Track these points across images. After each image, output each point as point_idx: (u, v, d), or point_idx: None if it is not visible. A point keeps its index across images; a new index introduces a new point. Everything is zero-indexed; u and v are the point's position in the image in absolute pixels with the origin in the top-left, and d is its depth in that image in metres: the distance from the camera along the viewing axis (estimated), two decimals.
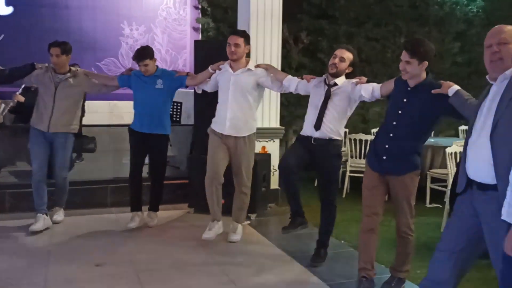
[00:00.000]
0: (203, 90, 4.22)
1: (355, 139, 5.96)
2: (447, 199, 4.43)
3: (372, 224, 2.99)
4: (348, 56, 3.29)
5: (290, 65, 7.73)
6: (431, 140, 6.07)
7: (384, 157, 2.88)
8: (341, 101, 3.31)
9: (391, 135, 2.86)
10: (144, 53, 4.12)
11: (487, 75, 2.18)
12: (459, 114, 2.64)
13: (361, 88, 3.20)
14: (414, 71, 2.75)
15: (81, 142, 6.83)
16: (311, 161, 3.39)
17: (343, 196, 5.80)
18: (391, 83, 3.04)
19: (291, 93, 3.92)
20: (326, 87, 3.32)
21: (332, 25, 7.85)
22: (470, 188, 2.16)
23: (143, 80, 4.21)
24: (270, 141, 5.29)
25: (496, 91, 2.08)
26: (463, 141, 5.21)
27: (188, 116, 6.03)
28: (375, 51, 7.98)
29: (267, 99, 5.21)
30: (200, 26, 7.67)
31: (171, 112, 5.74)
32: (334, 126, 3.34)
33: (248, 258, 3.64)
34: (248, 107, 3.87)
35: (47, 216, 4.16)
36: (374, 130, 7.22)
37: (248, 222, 4.53)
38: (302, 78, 3.63)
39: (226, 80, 3.87)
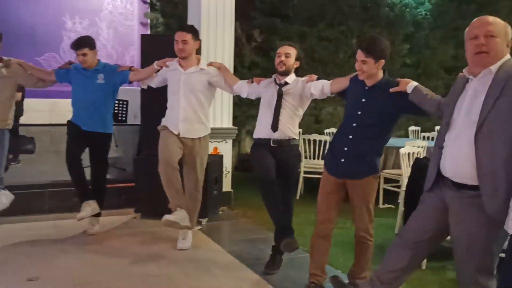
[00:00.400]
0: (149, 87, 3.96)
1: (309, 140, 5.87)
2: (401, 200, 4.40)
3: (325, 231, 2.93)
4: (292, 51, 3.21)
5: (242, 64, 7.57)
6: None
7: (342, 160, 2.80)
8: (294, 100, 3.23)
9: (350, 136, 2.77)
10: (82, 42, 3.82)
11: (466, 68, 2.08)
12: (420, 110, 2.56)
13: (311, 86, 3.15)
14: (371, 70, 2.67)
15: (17, 143, 6.36)
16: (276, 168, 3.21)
17: (297, 197, 5.68)
18: (343, 81, 2.98)
19: None
20: (277, 87, 3.23)
21: (285, 24, 7.76)
22: (439, 185, 2.11)
23: (83, 74, 3.90)
24: (222, 141, 5.09)
25: (477, 87, 1.99)
26: (416, 141, 5.27)
27: (134, 116, 5.71)
28: (328, 52, 7.96)
29: (219, 98, 5.01)
30: (149, 21, 7.36)
31: (116, 111, 5.42)
32: (290, 125, 3.24)
33: (199, 267, 3.41)
34: (201, 107, 3.69)
35: None
36: (328, 130, 7.20)
37: (199, 227, 4.30)
38: (252, 82, 3.52)
39: (176, 79, 3.66)
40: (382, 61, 2.66)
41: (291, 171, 3.30)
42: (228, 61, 5.08)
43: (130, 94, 5.63)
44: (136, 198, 4.60)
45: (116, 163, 5.71)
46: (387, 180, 5.48)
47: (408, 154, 4.52)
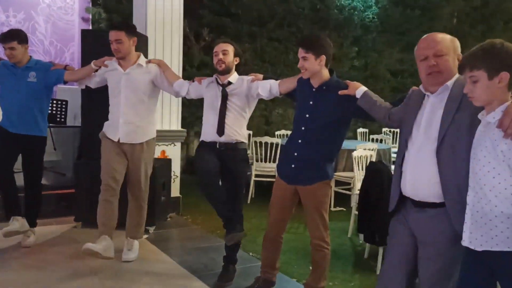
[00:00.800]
0: (87, 86, 3.68)
1: (260, 142, 5.73)
2: (353, 204, 4.35)
3: (276, 233, 2.88)
4: (229, 47, 3.05)
5: (191, 63, 7.33)
6: None
7: (293, 165, 2.70)
8: (240, 101, 3.06)
9: (299, 141, 2.68)
10: (10, 34, 3.49)
11: (421, 85, 2.04)
12: (368, 115, 2.49)
13: (258, 86, 3.02)
14: (312, 66, 2.59)
15: None
16: (220, 167, 3.03)
17: (248, 201, 5.54)
18: (291, 81, 2.88)
19: None
20: (221, 88, 3.06)
21: (235, 23, 7.61)
22: (404, 205, 2.04)
23: (12, 71, 3.56)
24: (170, 144, 4.85)
25: (434, 103, 1.97)
26: (367, 144, 5.28)
27: (74, 116, 5.33)
28: (277, 52, 7.90)
29: (167, 99, 4.77)
30: (91, 16, 6.94)
31: (54, 111, 5.04)
32: (237, 128, 3.06)
33: (147, 279, 3.17)
34: (145, 109, 3.45)
35: None
36: (278, 132, 7.12)
37: (146, 236, 4.05)
38: (193, 81, 3.34)
39: (116, 80, 3.42)
40: (323, 57, 2.58)
41: (239, 176, 3.11)
42: (177, 60, 4.87)
43: (70, 93, 5.25)
44: (77, 205, 4.26)
45: (54, 168, 5.31)
46: (338, 183, 5.46)
47: (360, 157, 4.49)
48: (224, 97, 3.03)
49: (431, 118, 1.95)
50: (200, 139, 3.16)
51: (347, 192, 5.42)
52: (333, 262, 3.38)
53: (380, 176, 3.42)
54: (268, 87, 2.99)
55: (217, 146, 3.03)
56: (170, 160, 4.69)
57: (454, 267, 1.87)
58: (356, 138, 7.92)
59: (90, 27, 6.97)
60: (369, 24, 8.54)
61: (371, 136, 7.40)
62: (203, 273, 3.31)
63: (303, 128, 2.67)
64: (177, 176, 4.95)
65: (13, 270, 3.23)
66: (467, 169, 1.76)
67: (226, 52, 3.02)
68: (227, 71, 3.05)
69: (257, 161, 5.77)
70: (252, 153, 5.79)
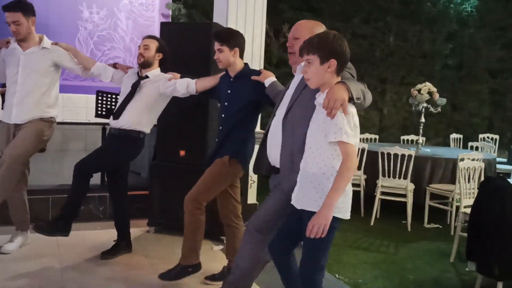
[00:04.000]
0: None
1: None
2: (459, 224, 3.74)
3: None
4: (153, 43, 3.23)
5: (269, 61, 6.99)
6: (427, 150, 5.43)
7: (215, 150, 2.91)
8: (149, 94, 3.21)
9: (220, 128, 2.90)
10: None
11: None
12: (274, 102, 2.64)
13: (176, 83, 3.16)
14: (226, 58, 2.81)
15: None
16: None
17: (372, 223, 5.07)
18: (210, 80, 3.08)
19: None
20: (137, 78, 3.25)
21: (317, 18, 7.13)
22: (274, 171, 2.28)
23: None
24: None
25: (295, 81, 2.26)
26: (471, 153, 4.61)
27: None
28: (362, 49, 7.35)
29: None
30: (170, 12, 6.82)
31: (109, 106, 4.85)
32: (136, 117, 3.20)
33: None
34: (41, 90, 3.28)
35: None
36: (362, 136, 6.57)
37: (220, 247, 3.73)
38: (115, 67, 3.45)
39: (14, 60, 3.27)
40: (237, 49, 2.81)
41: (116, 156, 3.28)
42: (258, 59, 4.54)
43: None
44: (151, 209, 4.04)
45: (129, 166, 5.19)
46: (434, 196, 4.82)
47: (467, 168, 3.87)
48: (134, 88, 3.19)
49: (289, 94, 2.23)
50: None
51: (444, 207, 4.78)
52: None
53: (502, 195, 2.82)
54: (186, 84, 3.12)
55: (112, 131, 3.26)
56: None
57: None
58: (448, 145, 7.15)
59: None
60: (466, 18, 7.72)
61: (469, 144, 6.57)
62: None
63: (223, 116, 2.88)
64: (254, 181, 4.60)
65: (83, 272, 3.05)
66: (302, 140, 2.01)
67: (147, 47, 3.20)
68: (146, 65, 3.22)
69: (383, 176, 4.75)
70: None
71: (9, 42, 3.33)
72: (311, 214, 1.87)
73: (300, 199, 1.97)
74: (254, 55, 4.52)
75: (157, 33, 7.02)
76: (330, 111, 1.83)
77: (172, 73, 3.24)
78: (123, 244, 3.43)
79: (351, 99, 1.88)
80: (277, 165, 2.21)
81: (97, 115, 4.71)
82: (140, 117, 3.21)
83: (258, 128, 4.59)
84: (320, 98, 1.95)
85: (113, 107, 4.83)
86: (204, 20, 6.26)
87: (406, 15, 7.36)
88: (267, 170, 2.32)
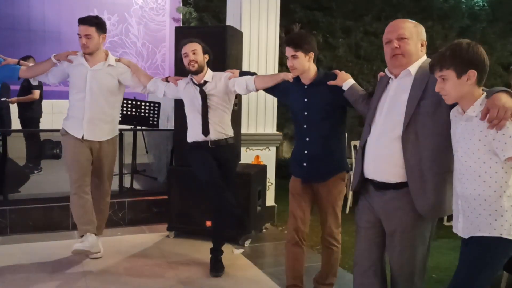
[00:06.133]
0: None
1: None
2: None
3: (298, 236, 2.73)
4: (197, 46, 3.14)
5: (281, 61, 6.97)
6: None
7: (305, 164, 2.69)
8: (219, 98, 3.15)
9: (307, 139, 2.70)
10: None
11: (386, 69, 2.16)
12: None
13: (235, 83, 3.12)
14: (302, 64, 2.62)
15: (41, 148, 5.95)
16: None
17: (347, 211, 5.05)
18: (270, 79, 2.98)
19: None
20: (198, 88, 3.15)
21: (328, 17, 7.13)
22: (366, 190, 2.16)
23: None
24: (265, 149, 4.51)
25: (397, 87, 2.08)
26: None
27: (167, 119, 5.20)
28: (374, 47, 7.28)
29: (263, 100, 4.46)
30: (181, 16, 6.84)
31: (146, 114, 4.91)
32: (223, 124, 3.17)
33: None
34: (109, 106, 3.37)
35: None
36: None
37: (242, 250, 3.73)
38: (167, 81, 3.36)
39: (81, 75, 3.30)
40: (312, 54, 2.64)
41: (231, 172, 3.25)
42: (272, 57, 4.53)
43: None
44: (169, 214, 4.04)
45: (146, 171, 5.22)
46: None
47: None
48: (204, 98, 3.11)
49: (394, 102, 2.05)
50: (188, 141, 3.24)
51: None
52: None
53: None
54: (244, 84, 3.08)
55: (209, 145, 3.14)
56: (265, 166, 4.35)
57: (419, 239, 2.05)
58: None
59: None
60: (478, 12, 7.62)
61: None
62: None
63: (305, 126, 2.69)
64: (272, 183, 4.60)
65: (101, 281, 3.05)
66: (431, 157, 1.92)
67: (196, 52, 3.10)
68: (200, 70, 3.12)
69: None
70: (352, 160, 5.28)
71: (72, 56, 3.29)
72: (483, 239, 1.74)
73: (467, 227, 1.81)
74: (268, 57, 4.53)
75: (168, 37, 7.06)
76: (498, 122, 1.67)
77: (230, 70, 3.23)
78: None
79: None
80: (378, 179, 2.09)
81: None
82: (224, 123, 3.18)
83: (273, 130, 4.62)
84: (470, 112, 1.79)
85: (129, 113, 4.86)
86: (215, 23, 6.26)
87: (418, 11, 7.28)
88: (357, 186, 2.21)
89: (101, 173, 3.43)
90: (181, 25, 6.84)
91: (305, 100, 2.68)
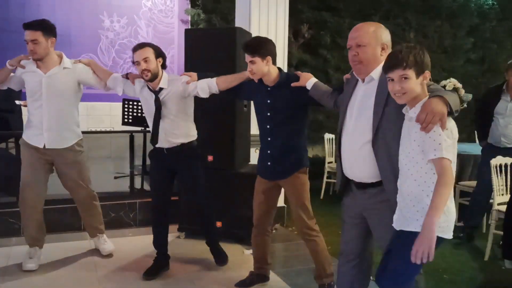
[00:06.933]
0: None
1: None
2: (492, 222, 3.68)
3: (263, 228, 2.98)
4: (148, 52, 2.96)
5: (289, 62, 6.98)
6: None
7: (269, 163, 2.80)
8: (176, 104, 3.07)
9: (269, 139, 2.79)
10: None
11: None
12: (320, 104, 2.65)
13: (196, 87, 3.05)
14: (260, 69, 2.68)
15: None
16: (174, 173, 3.22)
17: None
18: (233, 79, 2.99)
19: None
20: (154, 95, 3.05)
21: (336, 17, 7.12)
22: (350, 187, 2.22)
23: None
24: None
25: (364, 91, 2.11)
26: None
27: None
28: None
29: None
30: (190, 17, 6.87)
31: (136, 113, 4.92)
32: (177, 131, 3.11)
33: None
34: (69, 112, 3.27)
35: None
36: None
37: (251, 252, 3.74)
38: (127, 77, 3.20)
39: (35, 83, 3.16)
40: (269, 58, 2.68)
41: (191, 175, 3.22)
42: (282, 58, 4.53)
43: None
44: (180, 215, 4.08)
45: None
46: (463, 194, 4.75)
47: (500, 165, 3.80)
48: (158, 107, 3.03)
49: (363, 106, 2.08)
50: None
51: None
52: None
53: None
54: (207, 88, 3.04)
55: (165, 151, 3.14)
56: None
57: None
58: (473, 141, 7.03)
59: None
60: (487, 11, 7.58)
61: None
62: None
63: (268, 127, 2.77)
64: None
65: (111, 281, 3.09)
66: (395, 160, 1.96)
67: (147, 59, 2.94)
68: (155, 77, 3.00)
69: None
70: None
71: (22, 61, 3.17)
72: (410, 234, 1.83)
73: (399, 220, 1.93)
74: (277, 58, 4.52)
75: (178, 39, 7.10)
76: (426, 125, 1.76)
77: (186, 73, 3.12)
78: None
79: (449, 113, 1.79)
80: (357, 179, 2.16)
81: (123, 123, 4.78)
82: (179, 129, 3.11)
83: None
84: (411, 113, 1.87)
85: (139, 114, 4.90)
86: (224, 25, 6.28)
87: (426, 11, 7.26)
88: (341, 186, 2.28)
89: (72, 180, 3.38)
90: (189, 27, 6.88)
91: (268, 101, 2.76)
